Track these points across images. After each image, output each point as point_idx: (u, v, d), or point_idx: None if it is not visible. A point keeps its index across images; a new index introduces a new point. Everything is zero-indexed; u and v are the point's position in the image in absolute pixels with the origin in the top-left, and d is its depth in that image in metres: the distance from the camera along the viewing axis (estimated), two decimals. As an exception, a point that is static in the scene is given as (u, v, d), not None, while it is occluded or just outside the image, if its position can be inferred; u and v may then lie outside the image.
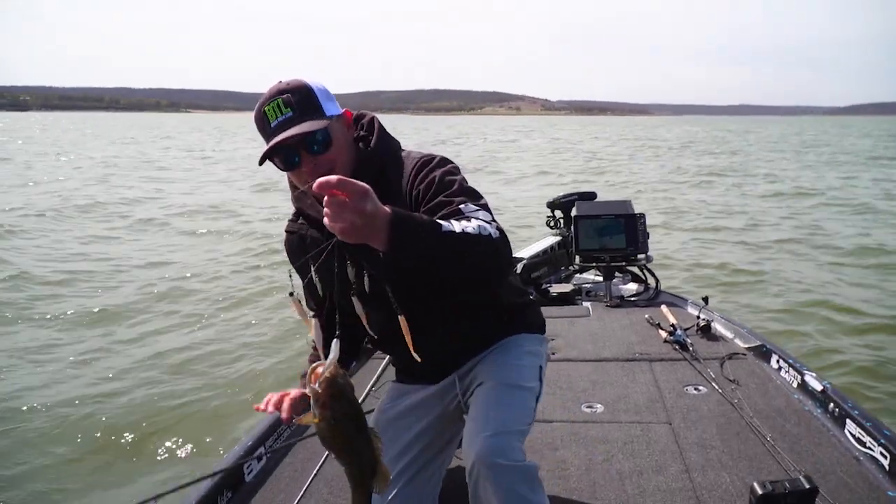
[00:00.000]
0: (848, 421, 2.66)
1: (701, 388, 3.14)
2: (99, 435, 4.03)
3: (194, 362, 5.17)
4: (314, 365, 1.17)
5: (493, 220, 1.42)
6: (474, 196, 1.50)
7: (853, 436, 2.61)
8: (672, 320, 3.86)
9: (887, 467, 2.37)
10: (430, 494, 1.86)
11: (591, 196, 4.66)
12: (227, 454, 2.42)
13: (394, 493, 1.76)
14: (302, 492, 2.34)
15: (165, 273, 8.04)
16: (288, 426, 2.38)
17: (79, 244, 9.92)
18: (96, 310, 6.43)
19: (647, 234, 4.39)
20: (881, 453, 2.42)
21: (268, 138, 1.49)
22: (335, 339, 1.21)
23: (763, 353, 3.47)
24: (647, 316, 4.08)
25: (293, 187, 1.66)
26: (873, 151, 34.94)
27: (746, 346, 3.61)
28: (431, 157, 1.61)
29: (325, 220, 1.14)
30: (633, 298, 4.54)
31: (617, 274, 4.66)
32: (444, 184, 1.52)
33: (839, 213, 13.40)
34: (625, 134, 71.44)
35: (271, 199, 14.90)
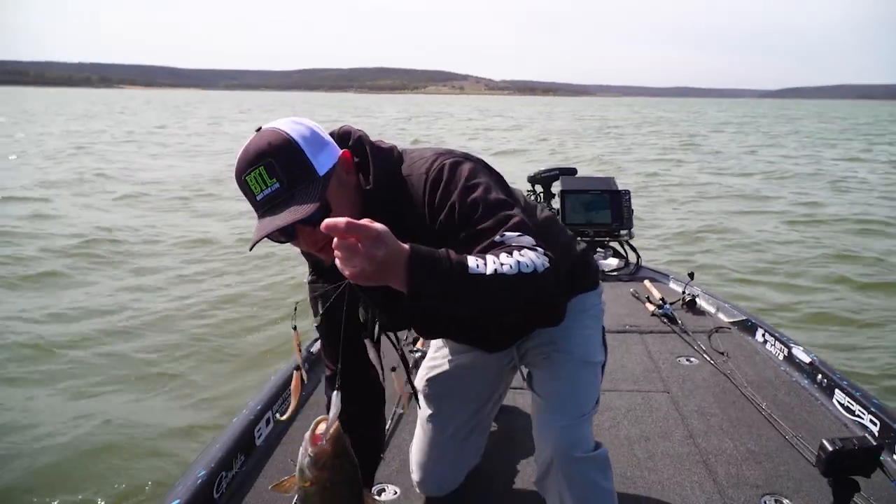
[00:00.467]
0: (836, 391, 2.79)
1: (693, 359, 3.25)
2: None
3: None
4: (317, 420, 1.06)
5: (537, 245, 1.21)
6: (504, 209, 1.30)
7: (841, 405, 2.74)
8: (657, 294, 3.95)
9: (877, 433, 2.50)
10: (477, 449, 2.03)
11: (572, 171, 4.69)
12: (235, 419, 2.38)
13: (449, 453, 1.91)
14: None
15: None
16: None
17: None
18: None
19: (632, 210, 4.46)
20: (871, 420, 2.55)
21: (255, 209, 1.27)
22: (335, 392, 1.08)
23: (748, 326, 3.60)
24: (631, 290, 4.18)
25: None
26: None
27: (731, 320, 3.73)
28: (440, 174, 1.35)
29: (337, 262, 1.03)
30: (614, 273, 4.62)
31: (598, 249, 4.73)
32: (466, 208, 1.30)
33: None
34: (576, 114, 72.51)
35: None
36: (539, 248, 1.20)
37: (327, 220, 0.98)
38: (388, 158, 1.41)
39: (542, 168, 4.80)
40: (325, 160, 1.27)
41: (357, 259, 1.00)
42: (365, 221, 1.01)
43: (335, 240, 1.01)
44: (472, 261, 1.12)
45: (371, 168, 1.37)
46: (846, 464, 1.30)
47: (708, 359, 3.22)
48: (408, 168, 1.40)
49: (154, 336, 5.16)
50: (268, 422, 2.46)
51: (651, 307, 3.81)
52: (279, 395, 2.62)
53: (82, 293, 6.24)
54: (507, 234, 1.23)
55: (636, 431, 2.55)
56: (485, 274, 1.10)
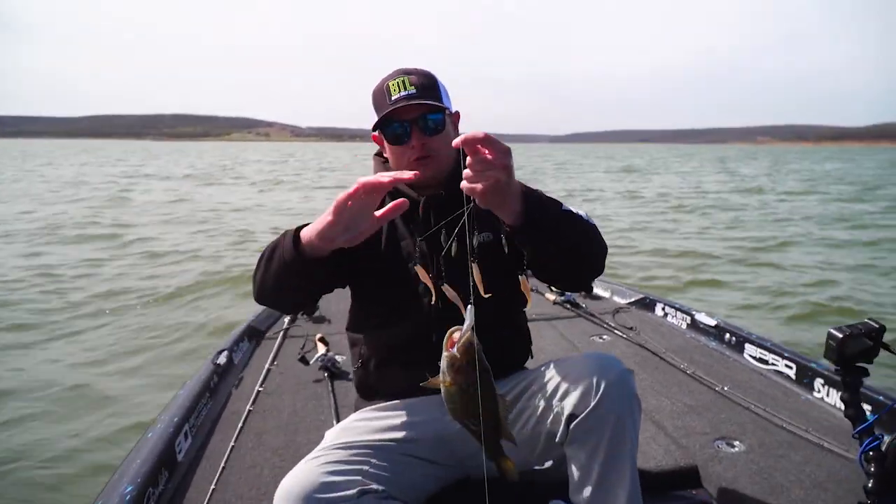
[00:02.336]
0: (747, 345, 2.91)
1: (605, 336, 3.27)
2: None
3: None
4: (451, 330, 1.14)
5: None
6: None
7: (754, 357, 2.85)
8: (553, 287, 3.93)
9: (794, 376, 2.60)
10: None
11: None
12: (150, 432, 2.13)
13: None
14: (222, 467, 2.06)
15: None
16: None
17: None
18: None
19: None
20: (786, 365, 2.67)
21: (383, 109, 1.48)
22: (469, 306, 1.14)
23: (647, 304, 3.69)
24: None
25: (383, 170, 1.58)
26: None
27: (629, 301, 3.81)
28: None
29: (464, 182, 1.14)
30: None
31: None
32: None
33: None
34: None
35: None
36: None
37: (466, 134, 1.10)
38: None
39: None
40: (448, 104, 1.56)
41: (492, 171, 1.12)
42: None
43: (469, 159, 1.13)
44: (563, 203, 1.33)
45: None
46: (855, 350, 1.24)
47: (619, 334, 3.26)
48: None
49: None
50: (186, 435, 2.21)
51: (552, 296, 3.79)
52: (193, 407, 2.37)
53: None
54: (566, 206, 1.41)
55: None
56: (573, 212, 1.34)
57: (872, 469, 1.25)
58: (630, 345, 3.10)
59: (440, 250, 1.37)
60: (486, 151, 1.12)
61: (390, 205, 1.25)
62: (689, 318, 3.36)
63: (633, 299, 3.82)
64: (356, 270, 1.56)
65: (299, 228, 1.35)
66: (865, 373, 1.30)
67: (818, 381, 2.51)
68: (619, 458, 1.37)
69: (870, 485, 1.25)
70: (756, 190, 23.68)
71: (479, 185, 1.13)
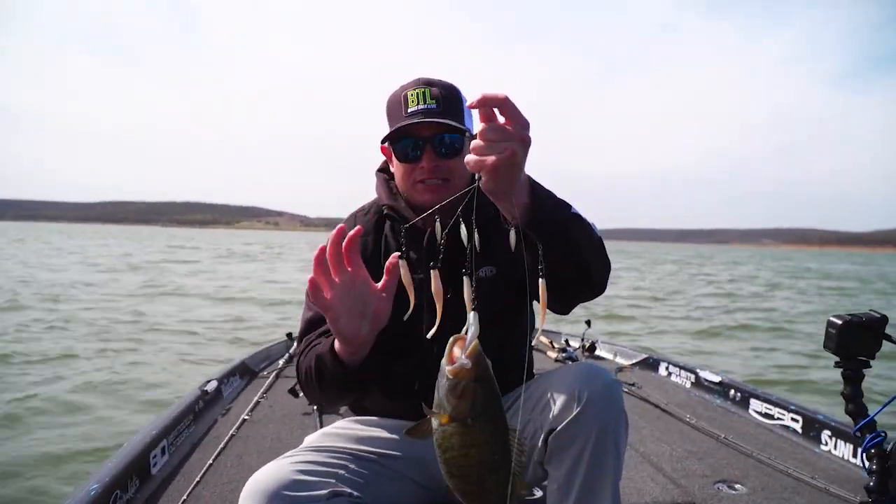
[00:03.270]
0: (752, 401, 2.83)
1: None
2: None
3: None
4: (454, 338, 0.89)
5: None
6: None
7: (759, 413, 2.77)
8: (556, 344, 3.88)
9: (800, 430, 2.51)
10: None
11: None
12: (127, 443, 2.08)
13: None
14: (196, 481, 2.00)
15: None
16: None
17: None
18: None
19: None
20: (792, 419, 2.58)
21: (397, 121, 1.35)
22: (473, 313, 0.92)
23: (650, 364, 3.62)
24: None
25: (385, 189, 1.49)
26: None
27: (633, 361, 3.74)
28: None
29: (470, 156, 0.96)
30: None
31: None
32: None
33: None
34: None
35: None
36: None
37: (485, 92, 0.93)
38: None
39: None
40: (469, 123, 1.40)
41: (509, 143, 0.94)
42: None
43: (482, 127, 0.95)
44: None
45: None
46: (855, 339, 1.21)
47: (623, 389, 3.15)
48: None
49: None
50: (163, 450, 2.16)
51: (554, 354, 3.72)
52: (175, 425, 2.33)
53: None
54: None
55: None
56: (582, 216, 1.18)
57: (874, 467, 1.19)
58: (631, 398, 3.02)
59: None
60: (504, 119, 0.95)
61: (387, 266, 1.13)
62: (693, 377, 3.29)
63: (636, 360, 3.75)
64: None
65: (332, 348, 1.22)
66: (867, 365, 1.26)
67: (825, 434, 2.43)
68: (600, 476, 1.22)
69: (871, 483, 1.18)
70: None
71: (490, 158, 0.94)
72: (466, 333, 0.88)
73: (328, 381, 1.23)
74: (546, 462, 1.28)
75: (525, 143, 0.95)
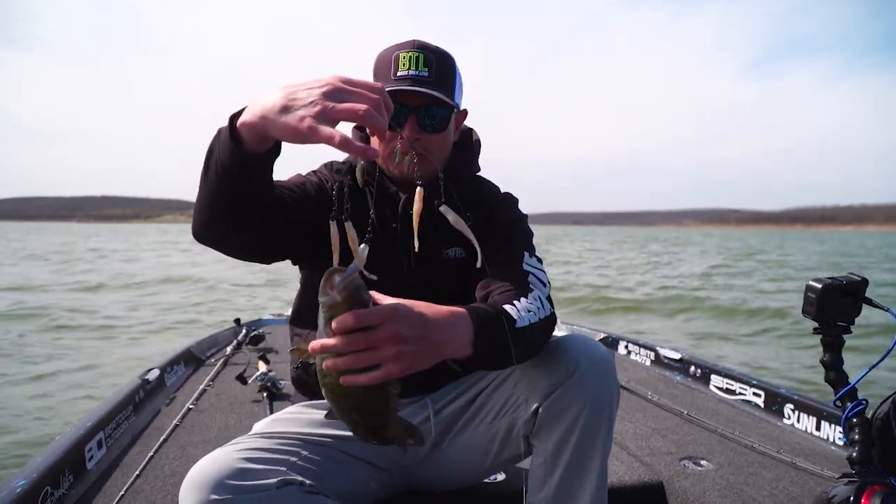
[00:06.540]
0: (712, 376, 2.79)
1: None
2: None
3: None
4: (331, 270, 0.89)
5: (547, 282, 1.31)
6: (532, 248, 1.39)
7: (720, 388, 2.73)
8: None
9: (762, 404, 2.47)
10: None
11: None
12: (60, 435, 1.94)
13: None
14: (136, 475, 1.85)
15: None
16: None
17: None
18: None
19: None
20: (754, 393, 2.54)
21: (384, 80, 1.26)
22: (363, 245, 0.96)
23: (610, 342, 3.57)
24: None
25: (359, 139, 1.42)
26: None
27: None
28: (512, 198, 1.50)
29: (346, 377, 0.91)
30: None
31: None
32: (513, 225, 1.42)
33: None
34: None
35: None
36: (548, 285, 1.30)
37: (337, 322, 0.87)
38: (476, 160, 1.51)
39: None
40: (459, 99, 1.36)
41: (385, 349, 0.89)
42: (378, 298, 0.97)
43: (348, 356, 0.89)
44: (511, 311, 1.13)
45: (477, 161, 1.49)
46: (835, 302, 1.13)
47: None
48: (485, 179, 1.53)
49: None
50: (100, 443, 2.01)
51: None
52: (113, 417, 2.17)
53: None
54: (527, 258, 1.31)
55: None
56: (526, 326, 1.13)
57: (857, 437, 1.11)
58: None
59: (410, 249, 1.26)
60: (360, 337, 0.88)
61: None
62: (652, 354, 3.25)
63: (597, 338, 3.69)
64: (315, 253, 1.26)
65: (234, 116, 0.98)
66: (847, 330, 1.19)
67: (788, 407, 2.39)
68: (591, 448, 1.21)
69: (854, 454, 1.11)
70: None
71: (391, 370, 0.89)
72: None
73: (212, 170, 1.00)
74: (533, 435, 1.26)
75: (394, 339, 0.89)
